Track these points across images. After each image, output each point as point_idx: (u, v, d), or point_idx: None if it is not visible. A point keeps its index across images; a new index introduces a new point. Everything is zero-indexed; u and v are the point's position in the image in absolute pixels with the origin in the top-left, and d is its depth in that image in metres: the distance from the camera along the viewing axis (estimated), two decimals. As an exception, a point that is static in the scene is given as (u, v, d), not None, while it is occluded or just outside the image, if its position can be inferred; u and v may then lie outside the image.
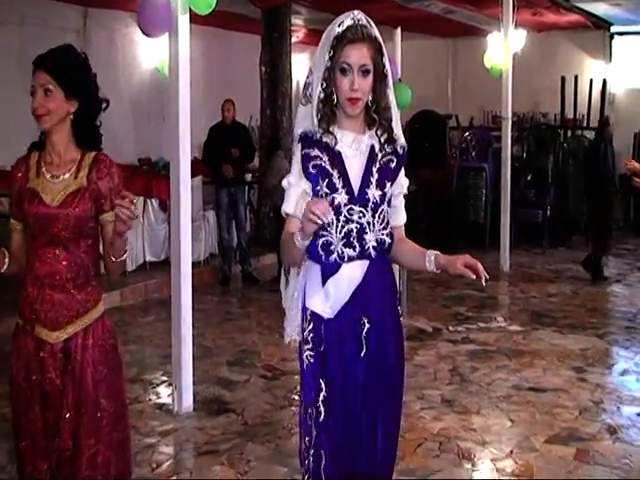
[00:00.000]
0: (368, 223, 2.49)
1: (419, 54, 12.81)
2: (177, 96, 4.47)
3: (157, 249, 8.36)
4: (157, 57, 10.93)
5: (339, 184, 2.48)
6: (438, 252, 2.50)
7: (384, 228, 2.53)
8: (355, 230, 2.48)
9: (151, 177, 8.23)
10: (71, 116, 2.64)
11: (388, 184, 2.53)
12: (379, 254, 2.53)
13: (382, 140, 2.55)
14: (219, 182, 8.27)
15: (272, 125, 9.75)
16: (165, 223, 8.24)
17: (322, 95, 2.48)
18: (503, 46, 8.56)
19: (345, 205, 2.48)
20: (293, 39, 10.31)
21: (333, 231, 2.49)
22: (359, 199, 2.49)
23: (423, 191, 10.00)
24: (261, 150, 9.56)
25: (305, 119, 2.56)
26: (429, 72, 12.37)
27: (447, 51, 13.07)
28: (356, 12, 2.48)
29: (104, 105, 2.73)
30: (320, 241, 2.49)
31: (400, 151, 2.58)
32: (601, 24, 11.45)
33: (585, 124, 11.33)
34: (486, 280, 2.39)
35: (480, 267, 2.39)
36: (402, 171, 2.60)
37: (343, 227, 2.48)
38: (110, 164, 2.69)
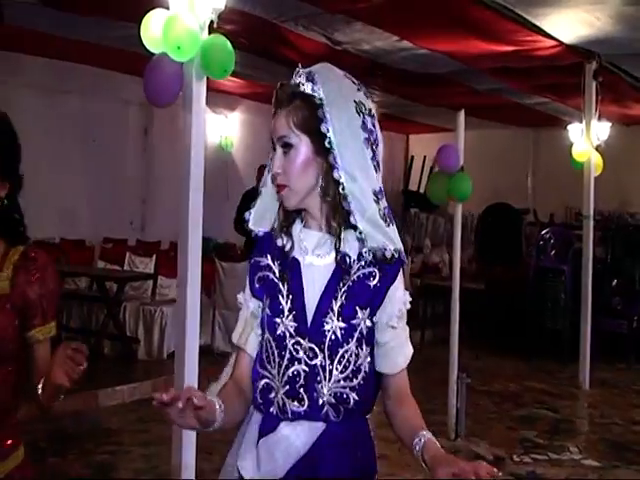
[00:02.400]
0: (322, 367, 1.67)
1: (497, 143, 12.16)
2: (189, 170, 3.79)
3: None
4: (221, 133, 10.70)
5: (286, 305, 1.71)
6: (431, 436, 1.62)
7: (349, 378, 1.69)
8: (302, 375, 1.67)
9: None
10: (2, 202, 1.99)
11: (360, 312, 1.70)
12: (344, 416, 1.69)
13: (353, 248, 1.72)
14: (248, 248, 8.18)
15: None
16: (211, 308, 8.01)
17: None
18: (584, 138, 7.83)
19: (291, 336, 1.69)
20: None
21: (275, 371, 1.70)
22: (311, 331, 1.69)
23: (492, 291, 9.17)
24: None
25: (264, 213, 1.84)
26: (507, 162, 11.68)
27: (528, 141, 12.33)
28: (301, 66, 1.76)
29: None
30: (261, 383, 1.73)
31: (389, 262, 1.72)
32: (695, 119, 10.59)
33: (680, 228, 10.32)
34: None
35: (480, 469, 1.43)
36: (397, 290, 1.74)
37: (287, 368, 1.68)
38: (45, 263, 2.02)
